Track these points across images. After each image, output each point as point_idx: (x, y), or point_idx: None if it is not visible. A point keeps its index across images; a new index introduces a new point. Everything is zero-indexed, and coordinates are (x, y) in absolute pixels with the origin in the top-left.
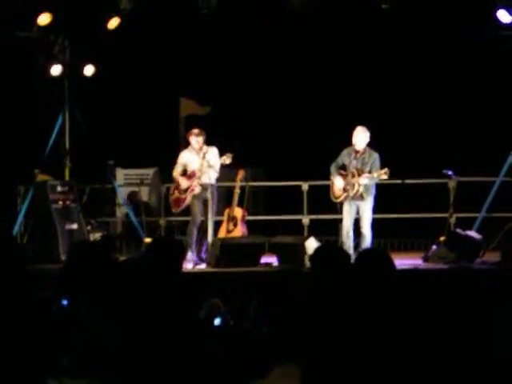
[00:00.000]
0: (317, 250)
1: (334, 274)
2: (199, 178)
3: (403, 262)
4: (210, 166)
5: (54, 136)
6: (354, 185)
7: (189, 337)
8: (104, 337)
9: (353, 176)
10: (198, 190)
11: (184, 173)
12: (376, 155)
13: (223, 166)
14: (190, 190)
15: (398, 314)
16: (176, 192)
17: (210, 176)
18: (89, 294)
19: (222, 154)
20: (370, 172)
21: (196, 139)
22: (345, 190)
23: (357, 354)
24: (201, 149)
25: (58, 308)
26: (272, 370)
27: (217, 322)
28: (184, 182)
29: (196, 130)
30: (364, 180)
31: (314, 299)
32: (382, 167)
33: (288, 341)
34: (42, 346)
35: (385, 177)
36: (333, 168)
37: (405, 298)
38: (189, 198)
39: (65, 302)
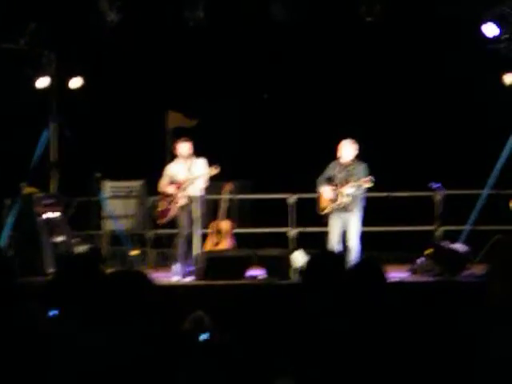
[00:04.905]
0: (313, 257)
1: (328, 282)
2: (184, 189)
3: (390, 274)
4: (196, 178)
5: (40, 148)
6: (338, 196)
7: (172, 353)
8: (88, 350)
9: (338, 187)
10: (182, 201)
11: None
12: (363, 166)
13: (210, 178)
14: (174, 202)
15: (390, 325)
16: (161, 203)
17: (197, 188)
18: (76, 306)
19: (209, 166)
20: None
21: (183, 144)
22: (331, 200)
23: (349, 365)
24: (189, 158)
25: (45, 320)
26: None
27: (203, 336)
28: (171, 189)
29: (183, 138)
30: (348, 190)
31: (307, 309)
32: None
33: (282, 354)
34: (29, 358)
35: (367, 185)
36: (319, 180)
37: (394, 311)
38: (173, 209)
39: (53, 313)
